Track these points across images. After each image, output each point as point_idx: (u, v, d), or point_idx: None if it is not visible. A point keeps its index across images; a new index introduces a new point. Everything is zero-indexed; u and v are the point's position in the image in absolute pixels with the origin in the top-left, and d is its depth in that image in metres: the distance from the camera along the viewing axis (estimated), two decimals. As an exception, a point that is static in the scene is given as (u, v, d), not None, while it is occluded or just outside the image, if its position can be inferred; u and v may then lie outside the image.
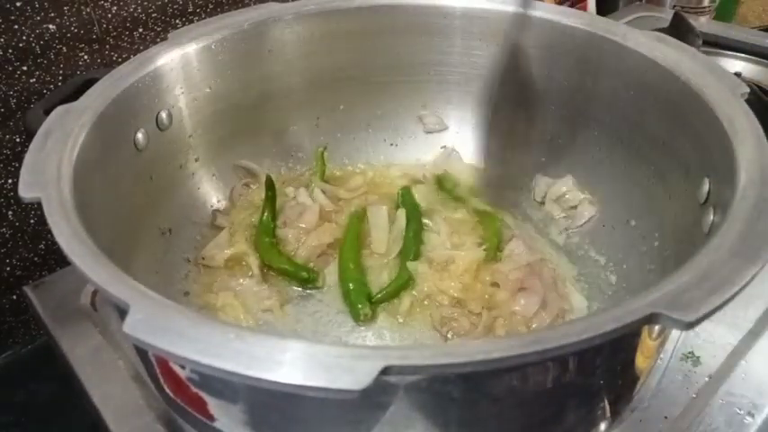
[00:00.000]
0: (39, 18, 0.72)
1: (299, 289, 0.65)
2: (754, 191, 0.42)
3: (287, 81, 0.73)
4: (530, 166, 0.75)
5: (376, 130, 0.80)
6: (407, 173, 0.78)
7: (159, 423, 0.54)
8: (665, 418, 0.54)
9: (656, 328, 0.43)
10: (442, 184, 0.76)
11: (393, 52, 0.75)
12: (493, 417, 0.41)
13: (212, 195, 0.71)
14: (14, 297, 0.82)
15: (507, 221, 0.72)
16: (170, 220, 0.65)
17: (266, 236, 0.67)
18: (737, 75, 0.67)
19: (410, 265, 0.64)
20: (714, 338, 0.60)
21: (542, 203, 0.73)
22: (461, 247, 0.67)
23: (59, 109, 0.53)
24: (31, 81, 0.74)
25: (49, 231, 0.41)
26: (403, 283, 0.63)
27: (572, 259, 0.67)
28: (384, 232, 0.69)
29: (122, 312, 0.35)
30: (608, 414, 0.47)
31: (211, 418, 0.43)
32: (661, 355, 0.57)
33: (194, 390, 0.42)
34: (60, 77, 0.76)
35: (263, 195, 0.70)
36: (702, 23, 1.14)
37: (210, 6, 0.86)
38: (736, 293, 0.35)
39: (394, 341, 0.60)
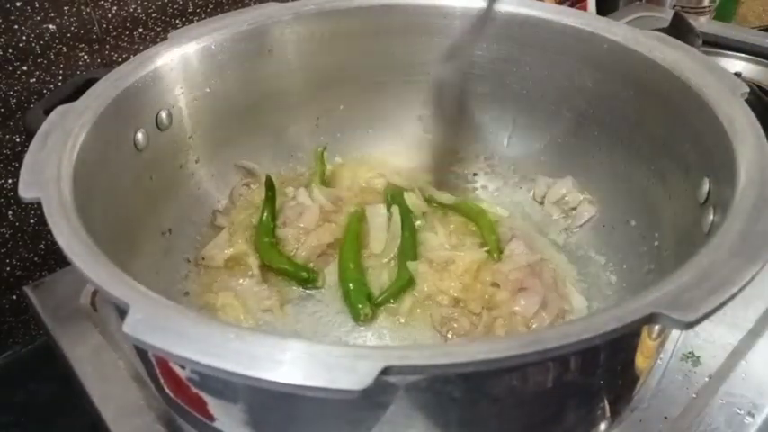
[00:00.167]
0: (39, 18, 0.72)
1: (299, 289, 0.65)
2: (754, 191, 0.42)
3: (287, 81, 0.73)
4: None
5: (376, 130, 0.80)
6: (407, 173, 0.79)
7: (159, 423, 0.54)
8: (665, 418, 0.54)
9: (656, 328, 0.43)
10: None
11: (393, 52, 0.75)
12: (493, 417, 0.41)
13: (212, 195, 0.71)
14: (14, 297, 0.82)
15: (505, 221, 0.72)
16: (170, 220, 0.65)
17: (266, 236, 0.67)
18: (737, 75, 0.67)
19: (410, 265, 0.64)
20: (714, 338, 0.60)
21: (542, 203, 0.73)
22: (461, 248, 0.67)
23: (59, 109, 0.53)
24: (31, 81, 0.74)
25: (49, 231, 0.41)
26: (404, 283, 0.63)
27: (572, 259, 0.67)
28: (383, 232, 0.69)
29: (122, 312, 0.35)
30: (608, 414, 0.47)
31: (211, 418, 0.43)
32: (661, 355, 0.57)
33: (194, 390, 0.42)
34: (60, 77, 0.76)
35: (262, 195, 0.70)
36: (702, 23, 1.14)
37: (210, 6, 0.86)
38: (736, 293, 0.35)
39: (394, 341, 0.60)
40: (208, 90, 0.67)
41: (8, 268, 0.80)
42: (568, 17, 0.67)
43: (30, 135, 0.50)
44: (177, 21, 0.84)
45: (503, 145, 0.77)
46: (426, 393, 0.38)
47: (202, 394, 0.42)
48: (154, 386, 0.51)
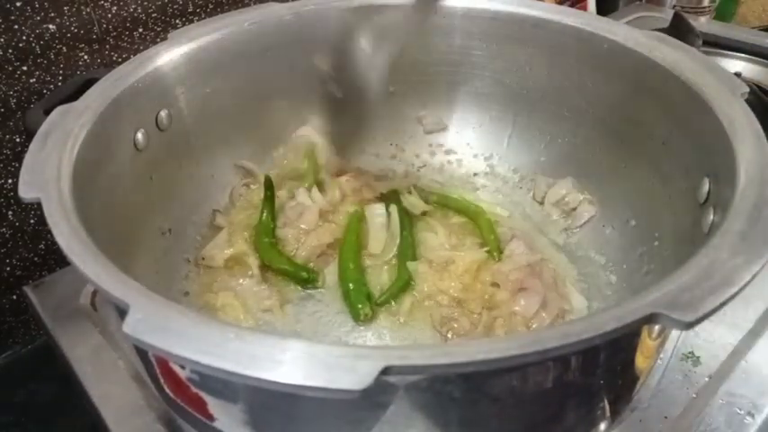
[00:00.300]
0: (39, 18, 0.72)
1: (299, 289, 0.65)
2: (754, 191, 0.42)
3: (287, 81, 0.73)
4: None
5: (376, 129, 0.80)
6: (407, 173, 0.79)
7: (159, 423, 0.54)
8: (665, 418, 0.54)
9: (656, 328, 0.43)
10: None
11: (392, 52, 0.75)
12: (493, 416, 0.41)
13: (212, 195, 0.71)
14: (14, 297, 0.82)
15: (505, 221, 0.72)
16: (170, 220, 0.65)
17: (266, 236, 0.67)
18: (737, 75, 0.67)
19: (410, 265, 0.65)
20: (714, 338, 0.60)
21: (542, 203, 0.73)
22: (461, 248, 0.67)
23: (59, 109, 0.53)
24: (31, 81, 0.74)
25: (49, 231, 0.41)
26: (404, 284, 0.63)
27: (572, 259, 0.67)
28: (382, 232, 0.69)
29: (122, 312, 0.35)
30: (608, 414, 0.47)
31: (211, 418, 0.43)
32: (661, 355, 0.57)
33: (194, 390, 0.42)
34: (60, 77, 0.76)
35: (262, 195, 0.70)
36: (702, 23, 1.14)
37: (210, 6, 0.86)
38: (736, 293, 0.35)
39: (394, 341, 0.60)
40: (208, 90, 0.67)
41: (8, 268, 0.80)
42: (568, 17, 0.67)
43: (30, 135, 0.50)
44: (177, 21, 0.84)
45: (503, 145, 0.77)
46: (426, 393, 0.38)
47: (202, 394, 0.42)
48: (154, 386, 0.51)
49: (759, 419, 0.53)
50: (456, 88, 0.77)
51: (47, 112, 0.53)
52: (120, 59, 0.80)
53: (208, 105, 0.68)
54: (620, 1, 1.30)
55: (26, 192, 0.45)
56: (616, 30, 0.64)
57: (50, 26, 0.73)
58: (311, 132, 0.77)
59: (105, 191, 0.53)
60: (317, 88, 0.73)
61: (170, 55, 0.63)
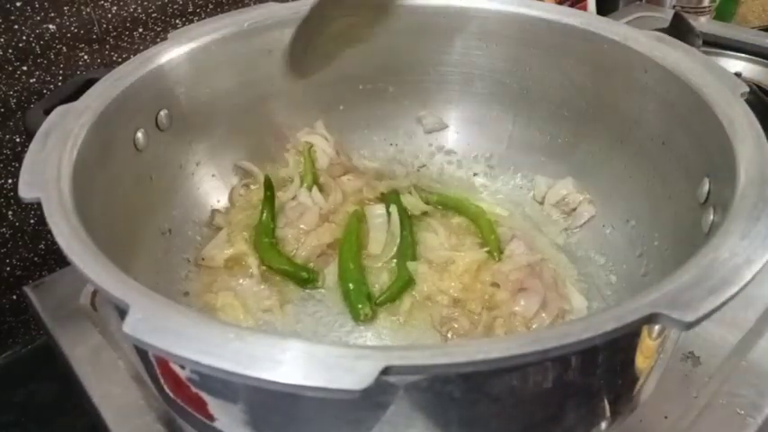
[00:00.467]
0: (39, 18, 0.72)
1: (299, 289, 0.65)
2: (754, 191, 0.42)
3: (287, 81, 0.73)
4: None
5: (376, 130, 0.80)
6: (407, 173, 0.79)
7: (159, 423, 0.54)
8: (665, 418, 0.54)
9: (656, 328, 0.43)
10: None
11: (393, 52, 0.75)
12: (493, 416, 0.41)
13: (212, 195, 0.71)
14: (14, 297, 0.82)
15: (505, 221, 0.72)
16: (170, 220, 0.65)
17: (266, 236, 0.67)
18: (737, 75, 0.67)
19: (410, 265, 0.65)
20: (714, 338, 0.60)
21: (542, 203, 0.73)
22: (461, 248, 0.67)
23: (59, 109, 0.53)
24: (31, 81, 0.74)
25: (49, 231, 0.41)
26: (404, 283, 0.63)
27: (572, 259, 0.67)
28: (382, 232, 0.69)
29: (122, 312, 0.35)
30: (608, 414, 0.47)
31: (211, 418, 0.43)
32: (661, 355, 0.57)
33: (194, 390, 0.42)
34: (60, 77, 0.76)
35: (262, 195, 0.70)
36: (702, 23, 1.14)
37: (210, 6, 0.86)
38: (736, 293, 0.35)
39: (394, 341, 0.60)
40: (208, 90, 0.67)
41: (8, 268, 0.80)
42: (568, 17, 0.67)
43: (30, 135, 0.50)
44: (177, 21, 0.84)
45: (503, 145, 0.77)
46: (426, 393, 0.38)
47: (202, 394, 0.42)
48: (154, 386, 0.51)
49: (759, 419, 0.53)
50: (456, 88, 0.77)
51: (47, 112, 0.53)
52: (120, 59, 0.80)
53: (208, 105, 0.68)
54: (620, 1, 1.30)
55: (26, 192, 0.45)
56: (616, 30, 0.64)
57: (50, 26, 0.73)
58: (311, 132, 0.77)
59: (105, 191, 0.52)
60: (316, 88, 0.74)
61: (170, 55, 0.63)
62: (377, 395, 0.37)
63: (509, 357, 0.32)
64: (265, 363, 0.32)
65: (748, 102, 0.51)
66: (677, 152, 0.57)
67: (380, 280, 0.65)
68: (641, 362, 0.46)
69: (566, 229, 0.70)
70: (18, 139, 0.76)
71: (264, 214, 0.68)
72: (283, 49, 0.71)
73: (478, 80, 0.76)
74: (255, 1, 0.89)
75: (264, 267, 0.65)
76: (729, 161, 0.46)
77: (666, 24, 0.94)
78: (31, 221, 0.80)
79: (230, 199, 0.72)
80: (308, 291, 0.65)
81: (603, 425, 0.48)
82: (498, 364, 0.32)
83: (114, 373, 0.59)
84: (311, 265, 0.67)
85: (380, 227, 0.70)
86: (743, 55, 1.03)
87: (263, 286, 0.64)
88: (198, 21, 0.81)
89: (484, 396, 0.39)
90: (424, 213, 0.72)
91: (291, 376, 0.31)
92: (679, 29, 0.89)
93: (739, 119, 0.49)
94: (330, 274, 0.66)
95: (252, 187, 0.73)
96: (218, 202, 0.71)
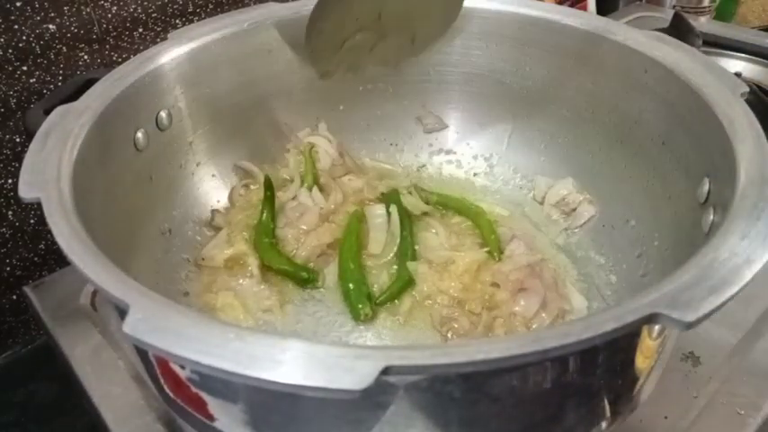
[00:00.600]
0: (39, 18, 0.72)
1: (300, 289, 0.65)
2: (754, 191, 0.42)
3: (287, 81, 0.73)
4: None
5: (376, 130, 0.80)
6: (407, 173, 0.79)
7: (159, 423, 0.54)
8: (665, 418, 0.54)
9: (656, 328, 0.43)
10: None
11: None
12: (493, 416, 0.41)
13: (212, 195, 0.71)
14: (14, 297, 0.82)
15: (505, 221, 0.72)
16: (170, 220, 0.65)
17: (266, 236, 0.67)
18: (737, 75, 0.67)
19: (410, 265, 0.64)
20: (714, 338, 0.60)
21: (542, 204, 0.73)
22: (461, 248, 0.67)
23: (59, 109, 0.53)
24: (31, 81, 0.74)
25: (49, 231, 0.41)
26: (404, 284, 0.63)
27: (572, 259, 0.67)
28: (382, 232, 0.69)
29: (122, 312, 0.35)
30: (608, 414, 0.47)
31: (211, 418, 0.43)
32: (661, 355, 0.57)
33: (194, 390, 0.42)
34: (60, 77, 0.76)
35: (262, 195, 0.70)
36: (702, 23, 1.15)
37: (210, 6, 0.86)
38: (736, 293, 0.35)
39: (394, 341, 0.60)
40: (208, 90, 0.67)
41: (8, 268, 0.80)
42: (568, 17, 0.67)
43: (30, 135, 0.50)
44: (177, 21, 0.84)
45: (503, 145, 0.77)
46: (426, 393, 0.38)
47: (202, 394, 0.42)
48: (154, 386, 0.51)
49: (759, 419, 0.53)
50: (456, 88, 0.77)
51: (47, 112, 0.53)
52: (120, 59, 0.80)
53: (208, 105, 0.68)
54: (620, 1, 1.30)
55: (26, 192, 0.45)
56: (616, 30, 0.64)
57: (50, 26, 0.73)
58: (311, 132, 0.77)
59: (105, 191, 0.53)
60: (316, 88, 0.73)
61: (170, 55, 0.63)
62: (377, 395, 0.37)
63: (509, 357, 0.32)
64: (265, 363, 0.32)
65: (748, 102, 0.51)
66: (677, 152, 0.57)
67: (380, 280, 0.65)
68: (641, 362, 0.46)
69: (566, 229, 0.70)
70: (18, 139, 0.76)
71: (264, 214, 0.68)
72: (283, 49, 0.71)
73: (478, 80, 0.76)
74: (255, 1, 0.89)
75: (264, 267, 0.65)
76: (729, 161, 0.46)
77: (666, 24, 0.94)
78: (31, 221, 0.80)
79: (230, 199, 0.72)
80: (308, 291, 0.65)
81: (603, 425, 0.48)
82: (498, 364, 0.32)
83: (114, 373, 0.59)
84: (311, 265, 0.67)
85: (380, 227, 0.70)
86: (743, 55, 1.03)
87: (262, 286, 0.64)
88: (198, 21, 0.81)
89: (484, 396, 0.39)
90: (424, 213, 0.72)
91: (291, 376, 0.31)
92: (679, 29, 0.89)
93: (739, 119, 0.49)
94: (330, 274, 0.66)
95: (252, 187, 0.73)
96: (218, 202, 0.71)
